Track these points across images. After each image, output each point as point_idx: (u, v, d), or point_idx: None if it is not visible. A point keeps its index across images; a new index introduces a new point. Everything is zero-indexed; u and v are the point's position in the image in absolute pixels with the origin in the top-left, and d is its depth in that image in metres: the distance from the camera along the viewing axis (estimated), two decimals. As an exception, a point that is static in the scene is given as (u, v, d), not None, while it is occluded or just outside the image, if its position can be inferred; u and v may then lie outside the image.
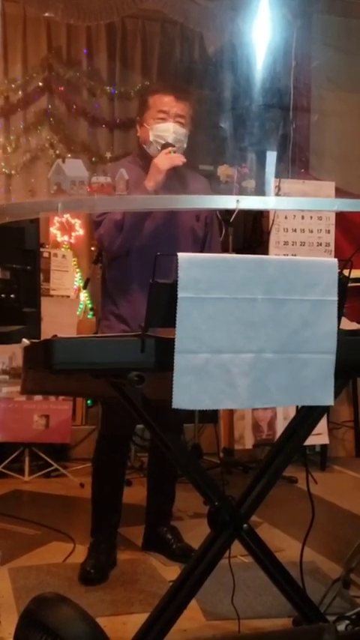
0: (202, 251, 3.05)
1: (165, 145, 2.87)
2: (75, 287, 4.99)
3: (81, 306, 5.10)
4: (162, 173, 2.81)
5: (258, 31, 4.26)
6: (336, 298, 1.90)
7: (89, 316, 5.17)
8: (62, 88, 5.48)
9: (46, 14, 5.09)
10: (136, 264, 2.90)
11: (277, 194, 4.32)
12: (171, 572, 2.91)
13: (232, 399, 1.83)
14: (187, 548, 3.05)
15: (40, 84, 5.45)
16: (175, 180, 2.90)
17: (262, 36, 4.26)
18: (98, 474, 3.08)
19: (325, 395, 1.90)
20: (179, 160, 2.84)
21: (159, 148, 2.88)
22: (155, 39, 5.69)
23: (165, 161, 2.82)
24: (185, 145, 2.95)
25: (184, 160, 2.85)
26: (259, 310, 1.83)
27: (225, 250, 4.13)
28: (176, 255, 1.79)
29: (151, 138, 2.91)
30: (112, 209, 2.71)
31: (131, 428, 3.19)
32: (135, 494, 3.99)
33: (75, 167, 2.19)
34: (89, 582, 2.85)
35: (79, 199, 2.14)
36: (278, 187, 4.41)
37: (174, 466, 2.90)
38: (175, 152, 2.84)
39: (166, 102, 2.91)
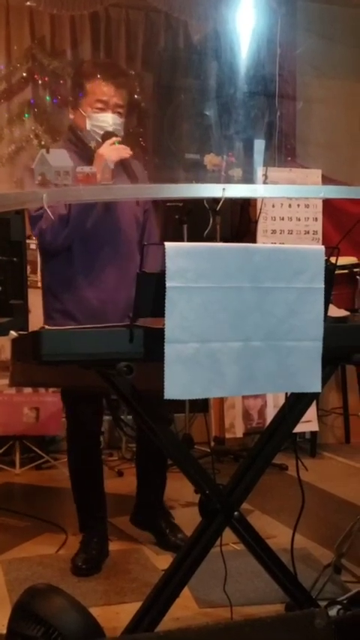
0: (142, 235, 2.99)
1: (107, 135, 2.78)
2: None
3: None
4: (109, 166, 2.71)
5: (242, 19, 4.24)
6: (322, 286, 1.90)
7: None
8: (46, 79, 5.44)
9: (29, 3, 5.05)
10: (80, 256, 2.83)
11: (264, 182, 4.31)
12: (163, 561, 2.92)
13: (221, 387, 1.83)
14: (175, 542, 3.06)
15: (24, 74, 5.41)
16: (121, 168, 2.80)
17: (246, 23, 4.25)
18: (75, 473, 3.05)
19: (312, 382, 1.91)
20: (126, 152, 2.75)
21: (98, 139, 2.80)
22: (139, 28, 5.66)
23: (113, 153, 2.72)
24: (122, 133, 2.87)
25: (131, 153, 2.76)
26: (246, 299, 1.84)
27: (212, 240, 4.12)
28: (163, 245, 1.79)
29: (89, 127, 2.82)
30: (98, 199, 2.68)
31: (100, 419, 3.15)
32: (127, 484, 4.00)
33: (60, 157, 2.18)
34: (81, 576, 2.85)
35: (65, 190, 2.13)
36: (265, 175, 4.40)
37: (163, 455, 2.89)
38: (119, 142, 2.75)
39: (106, 92, 2.81)
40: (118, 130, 2.84)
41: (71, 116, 2.95)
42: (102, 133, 2.80)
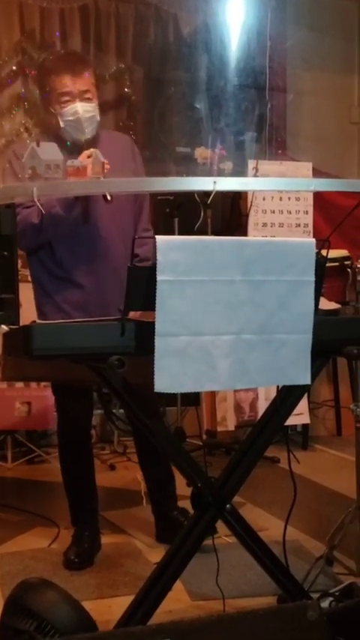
0: (136, 220, 2.95)
1: (83, 146, 2.68)
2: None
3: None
4: (100, 159, 2.60)
5: (232, 11, 4.24)
6: (313, 279, 1.90)
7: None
8: (36, 72, 5.42)
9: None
10: (68, 252, 2.81)
11: (254, 175, 4.31)
12: (155, 554, 2.92)
13: (213, 380, 1.83)
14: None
15: (14, 68, 5.39)
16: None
17: (236, 16, 4.24)
18: (67, 466, 3.05)
19: (301, 374, 1.91)
20: (104, 169, 2.58)
21: (73, 136, 2.75)
22: (129, 20, 5.64)
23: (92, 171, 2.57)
24: (98, 118, 2.81)
25: (108, 168, 2.59)
26: (237, 292, 1.84)
27: (203, 233, 4.12)
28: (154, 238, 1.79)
29: (62, 124, 2.77)
30: (88, 193, 2.66)
31: (90, 414, 3.14)
32: (119, 478, 4.01)
33: (50, 151, 2.17)
34: (74, 569, 2.85)
35: (55, 183, 2.13)
36: (256, 169, 4.40)
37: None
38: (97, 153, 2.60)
39: (66, 83, 2.75)
40: (91, 117, 2.77)
41: (49, 119, 2.88)
42: (78, 131, 2.74)
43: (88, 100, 2.78)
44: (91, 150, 2.64)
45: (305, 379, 1.92)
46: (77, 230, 2.79)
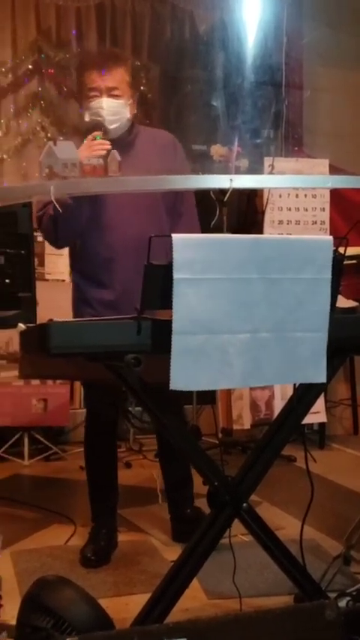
0: (173, 216, 2.95)
1: (93, 128, 2.73)
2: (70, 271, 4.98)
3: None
4: (118, 171, 2.61)
5: (248, 8, 4.22)
6: (330, 276, 1.89)
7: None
8: (52, 71, 5.43)
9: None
10: (96, 248, 2.84)
11: (270, 173, 4.30)
12: (172, 552, 2.92)
13: (228, 378, 1.83)
14: None
15: (30, 67, 5.40)
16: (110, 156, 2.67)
17: (253, 12, 4.23)
18: (91, 460, 3.07)
19: (317, 373, 1.90)
20: (101, 148, 2.63)
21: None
22: (145, 18, 5.64)
23: (86, 152, 2.62)
24: (128, 114, 2.83)
25: (108, 147, 2.63)
26: (254, 290, 1.83)
27: (219, 231, 4.11)
28: (170, 236, 1.78)
29: (87, 118, 2.82)
30: (105, 191, 2.66)
31: (118, 411, 3.17)
32: (135, 475, 4.02)
33: (66, 149, 2.17)
34: (90, 567, 2.86)
35: (72, 182, 2.13)
36: (272, 166, 4.39)
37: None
38: (101, 136, 2.68)
39: (94, 78, 2.79)
40: (118, 113, 2.79)
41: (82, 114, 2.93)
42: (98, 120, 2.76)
43: (116, 96, 2.80)
44: (95, 133, 2.68)
45: (321, 378, 1.91)
46: (108, 229, 2.80)
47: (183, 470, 3.06)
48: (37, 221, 2.85)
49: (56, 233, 2.83)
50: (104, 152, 2.62)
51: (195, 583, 2.41)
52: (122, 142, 2.75)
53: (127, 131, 2.86)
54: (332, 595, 2.23)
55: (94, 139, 2.67)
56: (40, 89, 5.39)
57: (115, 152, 2.50)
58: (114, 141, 2.71)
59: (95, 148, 2.64)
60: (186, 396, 4.30)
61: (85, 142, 2.68)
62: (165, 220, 2.91)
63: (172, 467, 3.11)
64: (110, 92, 2.79)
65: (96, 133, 2.69)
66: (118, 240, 2.82)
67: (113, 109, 2.79)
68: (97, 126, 2.75)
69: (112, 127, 2.79)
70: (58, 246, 3.02)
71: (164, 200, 2.91)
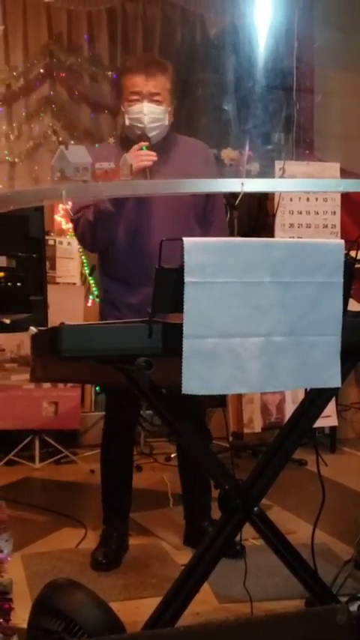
0: (203, 224, 2.95)
1: (139, 138, 2.75)
2: (81, 274, 4.99)
3: (95, 292, 5.10)
4: (129, 176, 2.62)
5: (259, 12, 4.21)
6: (342, 280, 1.89)
7: (96, 302, 5.17)
8: (63, 75, 5.46)
9: (47, 0, 5.06)
10: (124, 251, 2.86)
11: (281, 176, 4.30)
12: (183, 556, 2.92)
13: (242, 383, 1.82)
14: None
15: (42, 71, 5.43)
16: (160, 157, 2.74)
17: (263, 16, 4.22)
18: (106, 463, 3.07)
19: (332, 377, 1.89)
20: (148, 159, 2.66)
21: (137, 132, 2.79)
22: (156, 22, 5.66)
23: (133, 162, 2.61)
24: (167, 122, 2.84)
25: (154, 159, 2.67)
26: (266, 293, 1.83)
27: (230, 234, 4.11)
28: (181, 240, 1.79)
29: (127, 122, 2.82)
30: (116, 195, 2.66)
31: (135, 415, 3.18)
32: (146, 479, 4.01)
33: (78, 153, 2.18)
34: (101, 570, 2.86)
35: (83, 186, 2.13)
36: (282, 169, 4.38)
37: None
38: (147, 147, 2.69)
39: (137, 82, 2.79)
40: (159, 119, 2.80)
41: (118, 118, 2.96)
42: (139, 127, 2.78)
43: (157, 102, 2.81)
44: (142, 143, 2.71)
45: (336, 382, 1.90)
46: (139, 235, 2.82)
47: (200, 475, 3.05)
48: (73, 223, 2.91)
49: (94, 238, 2.86)
50: (150, 163, 2.66)
51: (206, 587, 2.41)
52: (159, 149, 2.76)
53: (164, 138, 2.87)
54: (343, 599, 2.22)
55: (141, 149, 2.69)
56: (51, 93, 5.42)
57: (126, 156, 2.50)
58: (151, 147, 2.74)
59: (142, 157, 2.67)
60: (210, 399, 4.27)
61: (131, 151, 2.68)
62: (195, 229, 2.93)
63: (189, 471, 3.10)
64: (152, 97, 2.80)
65: (142, 144, 2.71)
66: (148, 247, 2.82)
67: (154, 114, 2.80)
68: (143, 136, 2.76)
69: (152, 133, 2.80)
70: (93, 250, 3.08)
71: (195, 209, 2.93)
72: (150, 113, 2.79)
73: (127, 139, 2.86)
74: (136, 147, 2.70)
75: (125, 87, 2.83)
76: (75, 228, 2.92)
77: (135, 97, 2.80)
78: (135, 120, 2.80)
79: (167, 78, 2.85)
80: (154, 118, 2.80)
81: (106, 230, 2.83)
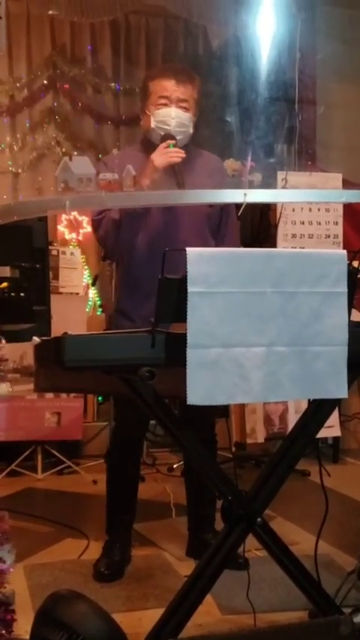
0: (217, 237, 2.96)
1: (165, 137, 2.78)
2: (84, 284, 5.00)
3: (90, 303, 5.11)
4: (158, 171, 2.72)
5: (262, 24, 4.24)
6: (346, 290, 1.89)
7: (98, 313, 5.18)
8: (67, 86, 5.48)
9: (50, 12, 5.09)
10: (142, 260, 2.84)
11: (283, 187, 4.31)
12: (185, 567, 2.92)
13: (245, 393, 1.82)
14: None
15: (45, 82, 5.46)
16: (171, 172, 2.77)
17: (266, 29, 4.25)
18: (112, 472, 3.05)
19: (338, 387, 1.89)
20: (177, 156, 2.73)
21: (162, 134, 2.81)
22: (159, 34, 5.69)
23: (161, 158, 2.72)
24: (191, 130, 2.86)
25: (183, 156, 2.74)
26: (269, 303, 1.83)
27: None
28: (184, 250, 1.79)
29: (153, 124, 2.83)
30: (120, 206, 2.68)
31: (144, 425, 3.17)
32: (148, 489, 4.00)
33: (82, 164, 2.19)
34: (104, 581, 2.85)
35: (87, 196, 2.14)
36: (285, 180, 4.39)
37: None
38: (174, 145, 2.74)
39: (167, 86, 2.82)
40: (184, 126, 2.82)
41: (141, 122, 2.96)
42: (165, 129, 2.80)
43: (184, 109, 2.84)
44: (169, 141, 2.74)
45: (342, 392, 1.90)
46: (155, 245, 2.80)
47: (206, 486, 3.04)
48: (93, 224, 2.89)
49: (117, 237, 2.83)
50: (179, 159, 2.71)
51: (209, 598, 2.40)
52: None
53: (185, 146, 2.86)
54: (347, 610, 2.21)
55: (168, 146, 2.73)
56: (55, 104, 5.44)
57: (130, 167, 2.51)
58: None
59: (172, 154, 2.72)
60: (219, 411, 4.25)
61: (158, 149, 2.74)
62: (210, 242, 2.93)
63: (194, 482, 3.08)
64: (179, 104, 2.82)
65: (170, 142, 2.75)
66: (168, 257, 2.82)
67: (181, 120, 2.82)
68: (169, 136, 2.79)
69: (177, 137, 2.81)
70: (114, 250, 2.97)
71: (209, 222, 2.94)
72: (177, 118, 2.81)
73: (150, 143, 2.87)
74: (163, 144, 2.74)
75: (154, 90, 2.84)
76: (96, 229, 2.90)
77: (163, 101, 2.82)
78: (161, 122, 2.81)
79: (195, 88, 2.88)
80: (180, 123, 2.82)
81: (131, 230, 2.81)
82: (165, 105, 2.82)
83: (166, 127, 2.81)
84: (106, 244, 2.96)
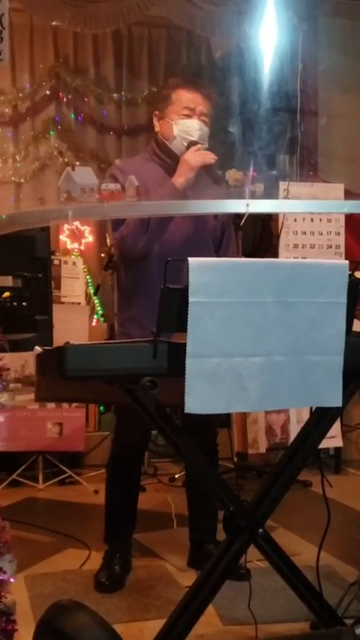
0: (218, 250, 2.99)
1: (192, 143, 2.81)
2: (85, 293, 5.01)
3: (95, 314, 5.12)
4: (193, 170, 2.76)
5: (264, 35, 4.26)
6: (345, 300, 1.89)
7: (100, 322, 5.18)
8: (70, 96, 5.51)
9: (54, 23, 5.11)
10: (156, 266, 2.81)
11: (285, 197, 4.31)
12: (187, 577, 2.91)
13: (242, 401, 1.82)
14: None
15: (48, 92, 5.48)
16: (204, 174, 2.83)
17: (268, 40, 4.26)
18: (112, 482, 3.05)
19: (333, 397, 1.89)
20: (211, 157, 2.78)
21: (184, 144, 2.82)
22: (161, 45, 5.72)
23: (197, 158, 2.76)
24: (207, 145, 2.89)
25: (216, 158, 2.79)
26: (268, 313, 1.83)
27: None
28: (187, 260, 1.79)
29: (175, 132, 2.85)
30: (122, 216, 2.69)
31: (146, 436, 3.16)
32: (149, 500, 3.99)
33: (85, 175, 2.20)
34: (105, 592, 2.84)
35: (90, 207, 2.15)
36: (287, 190, 4.40)
37: None
38: (204, 149, 2.78)
39: (193, 98, 2.85)
40: (204, 139, 2.86)
41: (157, 129, 2.97)
42: (188, 140, 2.83)
43: (205, 123, 2.88)
44: (199, 145, 2.78)
45: (336, 402, 1.90)
46: (174, 242, 2.82)
47: (208, 496, 3.03)
48: (116, 225, 2.86)
49: (141, 238, 2.80)
50: (213, 161, 2.78)
51: (210, 609, 2.39)
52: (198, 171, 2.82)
53: None
54: (349, 622, 2.20)
55: (199, 150, 2.78)
56: (58, 115, 5.47)
57: (132, 177, 2.52)
58: None
59: (207, 155, 2.78)
60: (221, 420, 4.24)
61: (189, 151, 2.78)
62: (213, 256, 2.94)
63: (196, 492, 3.07)
64: (201, 117, 2.87)
65: (199, 146, 2.80)
66: (181, 265, 2.83)
67: (203, 132, 2.86)
68: (197, 142, 2.82)
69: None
70: (136, 250, 2.85)
71: (212, 235, 2.97)
72: (201, 131, 2.85)
73: (167, 151, 2.89)
74: (194, 147, 2.78)
75: (178, 99, 2.87)
76: (117, 228, 2.86)
77: (187, 112, 2.86)
78: (185, 132, 2.85)
79: (212, 105, 2.93)
80: (202, 136, 2.86)
81: (162, 228, 2.80)
82: (188, 116, 2.85)
83: (189, 137, 2.84)
84: (129, 245, 2.85)
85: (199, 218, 2.89)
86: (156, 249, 2.83)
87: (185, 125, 2.85)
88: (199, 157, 2.77)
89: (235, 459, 4.49)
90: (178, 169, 2.78)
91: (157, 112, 2.98)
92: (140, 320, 2.85)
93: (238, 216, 3.37)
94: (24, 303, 2.11)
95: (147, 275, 2.85)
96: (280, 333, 1.84)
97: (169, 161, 2.88)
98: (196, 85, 2.91)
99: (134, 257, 2.89)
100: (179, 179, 2.76)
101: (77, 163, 5.19)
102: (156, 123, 2.98)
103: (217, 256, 2.95)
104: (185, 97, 2.87)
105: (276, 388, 1.84)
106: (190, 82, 2.95)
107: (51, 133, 5.43)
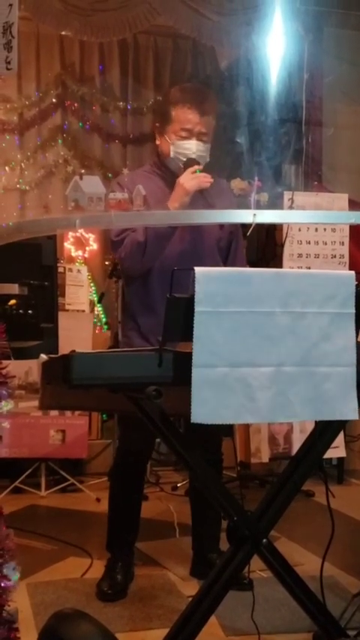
0: (226, 259, 2.99)
1: (189, 162, 2.80)
2: (90, 301, 5.01)
3: (95, 320, 5.12)
4: (188, 195, 2.75)
5: (270, 46, 4.27)
6: (353, 311, 1.89)
7: (104, 330, 5.19)
8: (76, 105, 5.53)
9: (64, 33, 5.13)
10: (158, 282, 2.84)
11: (290, 207, 4.32)
12: (189, 587, 2.90)
13: (252, 413, 1.81)
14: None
15: (54, 100, 5.50)
16: (199, 195, 2.83)
17: (274, 50, 4.28)
18: (115, 490, 3.05)
19: (348, 409, 1.88)
20: (206, 181, 2.76)
21: (181, 165, 2.83)
22: (167, 54, 5.75)
23: (192, 182, 2.74)
24: (208, 159, 2.89)
25: (212, 181, 2.78)
26: (277, 323, 1.83)
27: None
28: (193, 270, 1.80)
29: (172, 154, 2.85)
30: (129, 225, 2.69)
31: (150, 444, 3.16)
32: (152, 508, 3.99)
33: (92, 184, 2.20)
34: (107, 601, 2.83)
35: (97, 215, 2.15)
36: (291, 200, 4.41)
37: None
38: (200, 171, 2.77)
39: (191, 119, 2.83)
40: (203, 157, 2.86)
41: (157, 142, 2.97)
42: (185, 159, 2.82)
43: (204, 141, 2.87)
44: (195, 167, 2.77)
45: (352, 414, 1.88)
46: (174, 259, 2.81)
47: (212, 506, 3.03)
48: (113, 245, 2.88)
49: (143, 257, 2.81)
50: (208, 184, 2.77)
51: (213, 619, 2.38)
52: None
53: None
54: (352, 633, 2.19)
55: (195, 172, 2.76)
56: (64, 123, 5.49)
57: (140, 187, 2.53)
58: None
59: (202, 179, 2.76)
60: (225, 430, 4.22)
61: (185, 173, 2.77)
62: (220, 255, 2.97)
63: (200, 501, 3.06)
64: (200, 137, 2.86)
65: (196, 167, 2.78)
66: (187, 277, 2.83)
67: (201, 152, 2.85)
68: (194, 160, 2.81)
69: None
70: (139, 269, 2.90)
71: (218, 246, 2.97)
72: (197, 151, 2.84)
73: (166, 168, 2.91)
74: (191, 169, 2.77)
75: (177, 119, 2.85)
76: (115, 249, 2.89)
77: (185, 134, 2.84)
78: (181, 154, 2.84)
79: (214, 115, 2.91)
80: (199, 156, 2.84)
81: (159, 249, 2.81)
82: (186, 138, 2.84)
83: (185, 158, 2.83)
84: (127, 266, 2.92)
85: (198, 231, 2.88)
86: (156, 265, 2.85)
87: (182, 147, 2.84)
88: (194, 182, 2.75)
89: (238, 469, 4.49)
90: (173, 194, 2.77)
91: (157, 125, 2.99)
92: (144, 334, 2.88)
93: (244, 226, 3.37)
94: (30, 311, 2.11)
95: (148, 291, 2.88)
96: (291, 343, 1.83)
97: (170, 177, 2.88)
98: (196, 102, 2.86)
99: (134, 275, 2.93)
100: (174, 204, 2.75)
101: (83, 172, 5.21)
102: (157, 136, 2.98)
103: (225, 266, 2.95)
104: (184, 117, 2.83)
105: (288, 400, 1.83)
106: (190, 98, 2.89)
107: (59, 141, 5.45)
